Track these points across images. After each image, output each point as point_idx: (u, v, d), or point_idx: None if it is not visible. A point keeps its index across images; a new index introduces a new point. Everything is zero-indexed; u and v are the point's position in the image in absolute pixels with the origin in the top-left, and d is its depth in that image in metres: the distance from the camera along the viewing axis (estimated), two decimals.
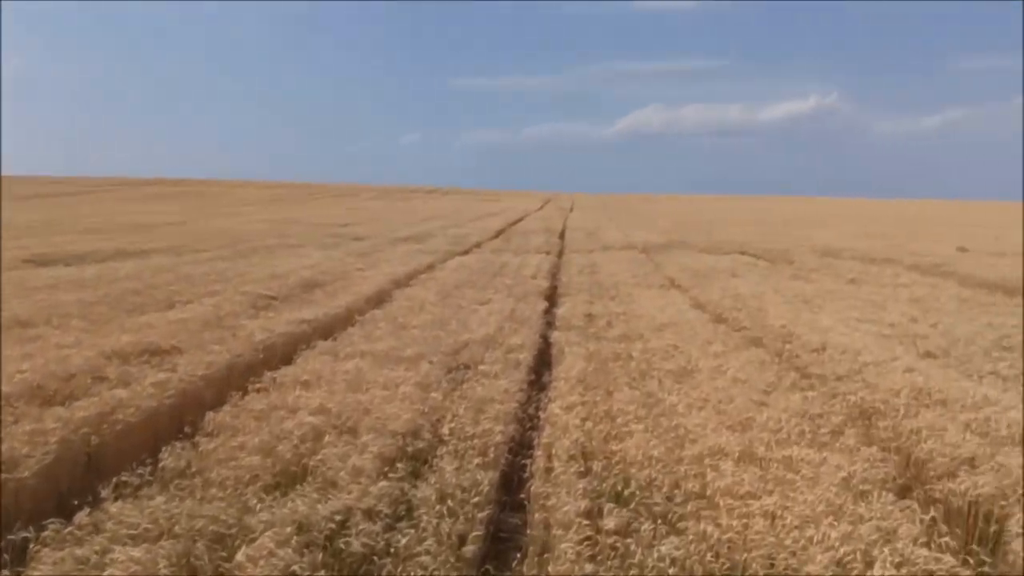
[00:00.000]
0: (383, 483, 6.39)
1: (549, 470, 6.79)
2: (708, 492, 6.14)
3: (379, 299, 16.29)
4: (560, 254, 29.26)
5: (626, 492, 6.30)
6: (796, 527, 5.43)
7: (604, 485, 6.40)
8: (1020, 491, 5.96)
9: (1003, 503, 5.91)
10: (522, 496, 6.73)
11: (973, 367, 10.25)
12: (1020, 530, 5.39)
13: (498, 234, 40.05)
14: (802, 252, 29.78)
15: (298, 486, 6.47)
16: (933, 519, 5.51)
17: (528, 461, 7.15)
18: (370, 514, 5.91)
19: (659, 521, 5.79)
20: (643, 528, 5.65)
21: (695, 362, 10.33)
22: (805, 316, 13.90)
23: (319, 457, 6.94)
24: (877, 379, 9.32)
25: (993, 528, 5.71)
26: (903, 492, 6.40)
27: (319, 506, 5.98)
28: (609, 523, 5.75)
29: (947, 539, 5.26)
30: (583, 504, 5.97)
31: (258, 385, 9.32)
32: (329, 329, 12.95)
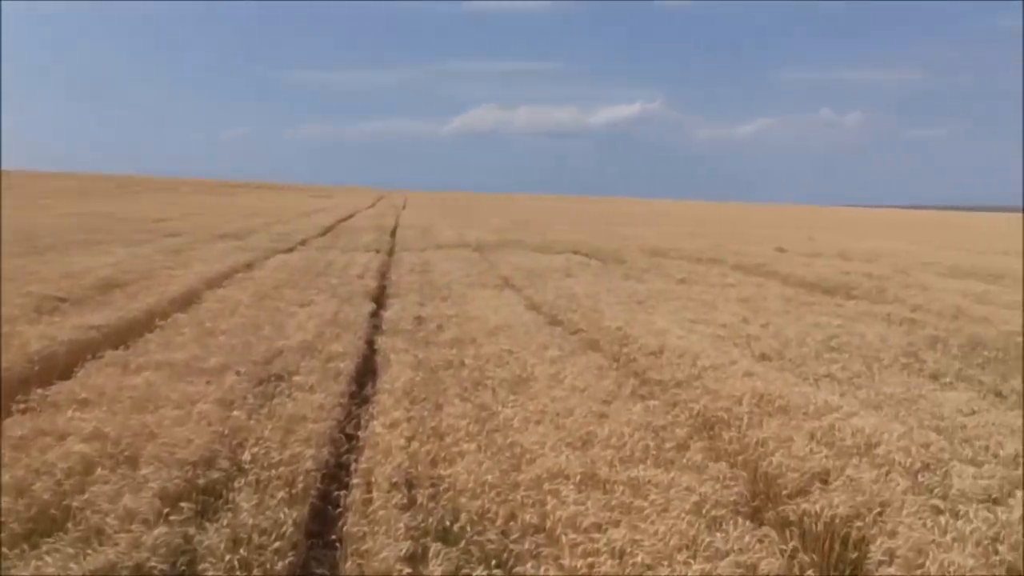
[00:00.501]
0: (161, 529, 5.26)
1: (367, 502, 5.86)
2: (548, 524, 5.39)
3: (187, 301, 14.74)
4: (391, 252, 28.18)
5: (455, 527, 5.46)
6: (648, 566, 4.75)
7: (430, 520, 5.53)
8: (876, 510, 5.54)
9: (859, 524, 5.47)
10: (335, 537, 5.76)
11: (808, 370, 10.07)
12: (882, 557, 4.93)
13: (326, 231, 38.45)
14: (632, 252, 30.01)
15: (54, 536, 5.25)
16: (795, 549, 4.97)
17: (344, 492, 6.19)
18: (139, 572, 4.79)
19: (493, 564, 4.99)
20: (475, 574, 4.82)
21: (531, 369, 9.63)
22: (640, 317, 13.56)
23: (85, 497, 5.72)
24: (717, 385, 8.91)
25: (853, 555, 5.24)
26: (756, 514, 5.89)
27: (74, 564, 4.80)
28: (435, 569, 4.89)
29: (810, 574, 4.73)
30: (405, 547, 5.08)
31: (24, 405, 7.86)
32: (123, 336, 11.42)
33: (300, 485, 6.25)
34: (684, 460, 6.61)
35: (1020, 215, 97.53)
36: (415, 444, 6.92)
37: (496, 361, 10.15)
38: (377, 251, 27.83)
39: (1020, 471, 6.28)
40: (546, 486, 5.99)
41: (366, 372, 10.25)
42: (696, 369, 9.68)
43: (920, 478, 6.12)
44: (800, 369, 10.15)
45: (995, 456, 6.68)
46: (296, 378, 9.23)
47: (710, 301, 16.27)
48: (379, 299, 16.51)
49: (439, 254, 26.84)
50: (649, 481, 5.96)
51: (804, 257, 29.13)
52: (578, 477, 6.09)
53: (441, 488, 6.10)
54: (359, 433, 7.46)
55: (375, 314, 14.40)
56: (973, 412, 7.95)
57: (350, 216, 54.13)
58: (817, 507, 5.65)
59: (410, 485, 6.18)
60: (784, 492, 6.14)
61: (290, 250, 26.81)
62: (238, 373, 9.46)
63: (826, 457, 6.56)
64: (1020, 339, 12.99)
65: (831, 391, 8.83)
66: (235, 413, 7.71)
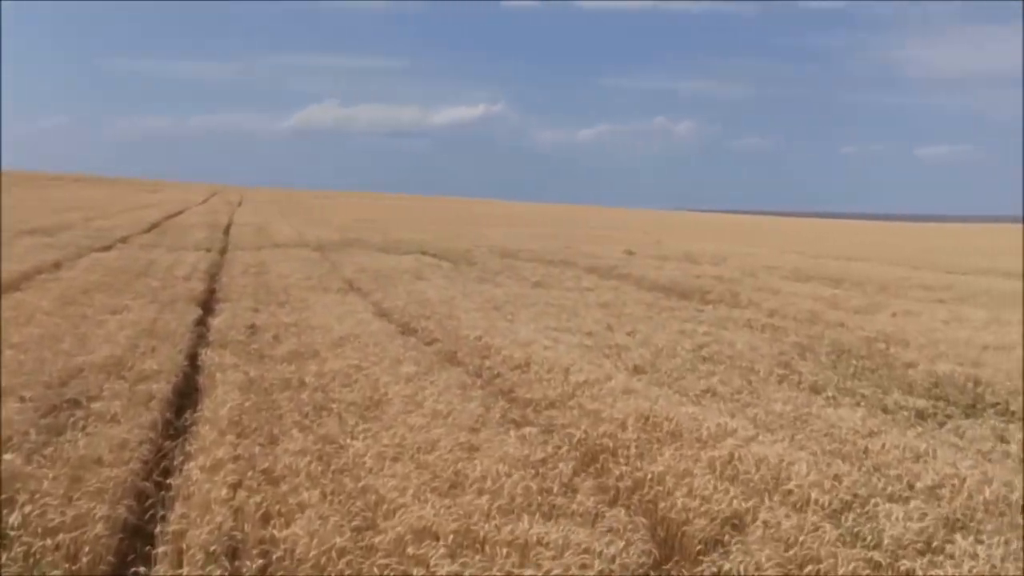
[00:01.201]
0: None
1: None
2: None
3: None
4: (223, 252, 26.01)
5: None
6: None
7: None
8: (808, 568, 4.63)
9: None
10: None
11: (687, 384, 9.27)
12: None
13: (152, 228, 35.54)
14: (482, 252, 29.04)
15: None
16: None
17: (144, 569, 4.75)
18: None
19: None
20: None
21: (384, 389, 8.35)
22: (500, 325, 12.49)
23: None
24: (595, 404, 7.93)
25: None
26: None
27: None
28: None
29: None
30: None
31: None
32: None
33: (85, 559, 4.77)
34: (574, 506, 5.53)
35: (846, 220, 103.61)
36: (242, 494, 5.53)
37: (342, 379, 8.80)
38: (208, 250, 25.63)
39: (945, 507, 5.57)
40: (410, 550, 4.76)
41: (186, 395, 8.67)
42: (569, 386, 8.67)
43: (845, 520, 5.28)
44: (679, 384, 9.33)
45: (911, 487, 5.97)
46: (96, 405, 7.59)
47: (570, 307, 15.42)
48: (207, 304, 14.73)
49: (277, 254, 24.95)
50: (538, 541, 4.83)
51: (654, 260, 29.02)
52: (450, 536, 4.89)
53: (274, 557, 4.76)
54: (171, 480, 5.98)
55: (201, 322, 12.69)
56: (871, 433, 7.29)
57: (180, 212, 50.66)
58: (740, 567, 4.69)
59: (234, 554, 4.81)
60: (695, 543, 5.16)
61: (108, 248, 24.24)
62: (22, 400, 7.73)
63: (735, 497, 5.64)
64: (882, 345, 12.78)
65: (719, 410, 8.01)
66: (7, 457, 6.06)
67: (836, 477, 5.92)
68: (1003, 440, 7.59)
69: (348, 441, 6.73)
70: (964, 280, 25.18)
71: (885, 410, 8.74)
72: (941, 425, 8.18)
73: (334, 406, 7.81)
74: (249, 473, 5.94)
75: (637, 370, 9.94)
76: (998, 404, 9.34)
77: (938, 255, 38.49)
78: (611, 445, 6.84)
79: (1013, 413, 8.92)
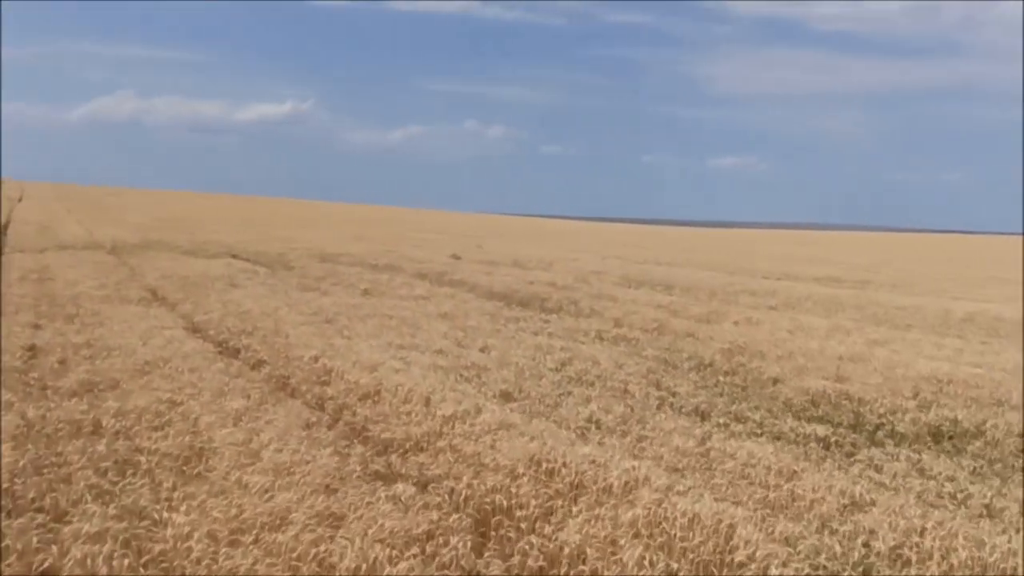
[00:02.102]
0: None
1: None
2: None
3: None
4: None
5: None
6: None
7: None
8: None
9: None
10: None
11: (566, 413, 8.15)
12: None
13: None
14: (299, 256, 27.02)
15: None
16: None
17: None
18: None
19: None
20: None
21: (207, 433, 6.69)
22: (338, 342, 10.93)
23: None
24: (472, 445, 6.65)
25: None
26: None
27: None
28: None
29: None
30: None
31: None
32: None
33: None
34: None
35: (648, 226, 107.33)
36: None
37: (152, 421, 7.05)
38: None
39: None
40: None
41: None
42: (435, 421, 7.32)
43: None
44: (556, 413, 8.19)
45: (868, 547, 5.06)
46: None
47: (410, 318, 14.01)
48: None
49: (64, 256, 21.97)
50: None
51: (482, 265, 28.00)
52: None
53: None
54: None
55: None
56: (793, 474, 6.40)
57: None
58: None
59: None
60: None
61: None
62: None
63: None
64: (742, 358, 12.24)
65: (614, 447, 6.91)
66: None
67: (787, 541, 4.92)
68: (925, 474, 6.93)
69: (165, 514, 5.09)
70: (782, 285, 25.77)
71: (779, 437, 7.96)
72: (849, 456, 7.46)
73: (143, 461, 6.09)
74: None
75: (505, 396, 8.72)
76: (883, 425, 8.82)
77: (746, 260, 39.88)
78: (505, 504, 5.56)
79: (904, 436, 8.39)
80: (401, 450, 6.79)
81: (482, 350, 11.29)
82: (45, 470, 5.88)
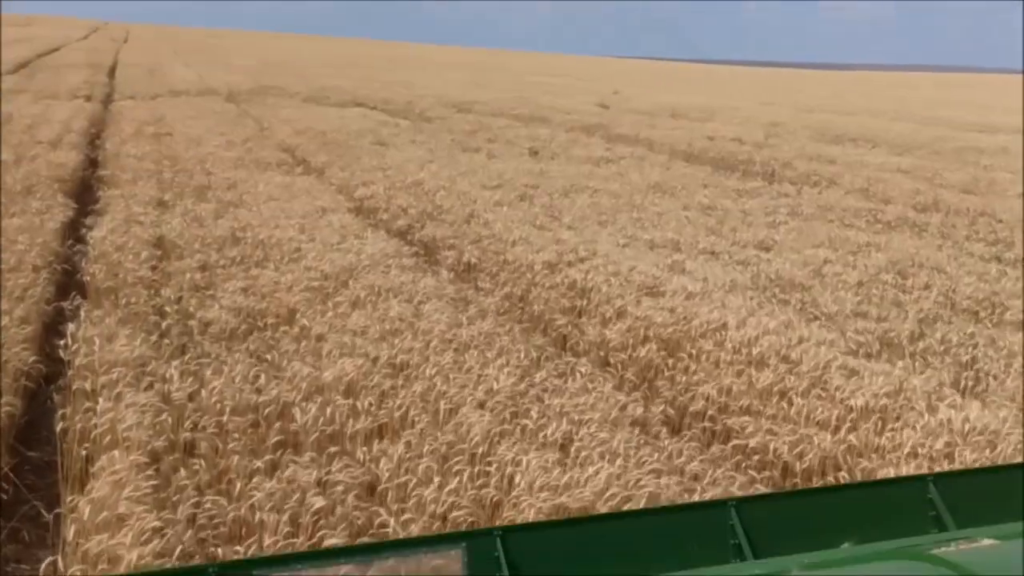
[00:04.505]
0: None
1: None
2: None
3: None
4: (108, 100, 20.22)
5: None
6: None
7: None
8: None
9: None
10: None
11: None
12: None
13: (18, 68, 28.75)
14: (432, 106, 23.74)
15: None
16: None
17: None
18: None
19: None
20: None
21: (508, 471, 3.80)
22: (565, 236, 7.92)
23: None
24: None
25: None
26: None
27: None
28: None
29: None
30: None
31: None
32: None
33: None
34: None
35: (763, 68, 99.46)
36: None
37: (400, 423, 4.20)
38: (88, 98, 19.81)
39: None
40: None
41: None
42: (844, 412, 4.28)
43: None
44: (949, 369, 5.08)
45: None
46: None
47: (622, 192, 10.85)
48: (84, 195, 9.63)
49: (179, 105, 19.34)
50: None
51: (637, 116, 24.30)
52: None
53: None
54: None
55: (74, 230, 7.73)
56: None
57: (55, 50, 42.75)
58: None
59: None
60: None
61: None
62: None
63: None
64: None
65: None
66: None
67: None
68: None
69: None
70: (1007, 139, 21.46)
71: None
72: None
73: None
74: None
75: (886, 346, 5.58)
76: None
77: (919, 107, 34.79)
78: None
79: None
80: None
81: (764, 248, 8.12)
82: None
